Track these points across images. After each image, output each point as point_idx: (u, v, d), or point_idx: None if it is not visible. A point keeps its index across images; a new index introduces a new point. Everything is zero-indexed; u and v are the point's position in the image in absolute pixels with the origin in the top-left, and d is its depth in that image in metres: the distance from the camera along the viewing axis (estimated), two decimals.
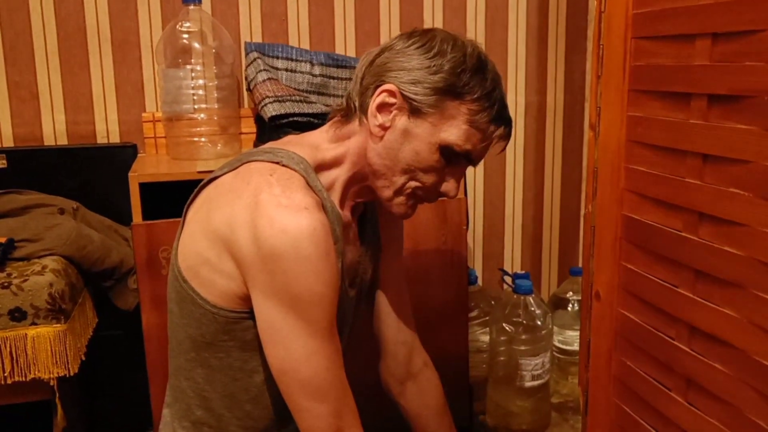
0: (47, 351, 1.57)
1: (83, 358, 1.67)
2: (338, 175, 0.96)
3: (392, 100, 0.91)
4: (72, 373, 1.62)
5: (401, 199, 0.97)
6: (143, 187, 1.49)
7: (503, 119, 0.94)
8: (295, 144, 0.96)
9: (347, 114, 0.97)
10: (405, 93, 0.90)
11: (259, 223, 0.82)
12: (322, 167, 0.95)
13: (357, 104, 0.94)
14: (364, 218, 1.08)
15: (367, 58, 0.95)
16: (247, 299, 0.88)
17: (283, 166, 0.90)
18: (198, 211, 0.94)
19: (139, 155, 1.74)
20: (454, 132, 0.91)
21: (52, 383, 1.62)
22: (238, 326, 0.91)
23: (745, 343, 0.83)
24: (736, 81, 0.85)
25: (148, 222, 1.47)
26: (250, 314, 0.89)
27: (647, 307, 0.99)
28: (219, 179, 0.94)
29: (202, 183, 0.97)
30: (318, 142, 0.97)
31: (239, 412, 0.98)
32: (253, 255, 0.83)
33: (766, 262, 0.81)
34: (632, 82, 1.02)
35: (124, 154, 1.74)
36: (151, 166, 1.61)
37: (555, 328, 2.00)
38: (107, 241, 1.67)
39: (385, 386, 1.23)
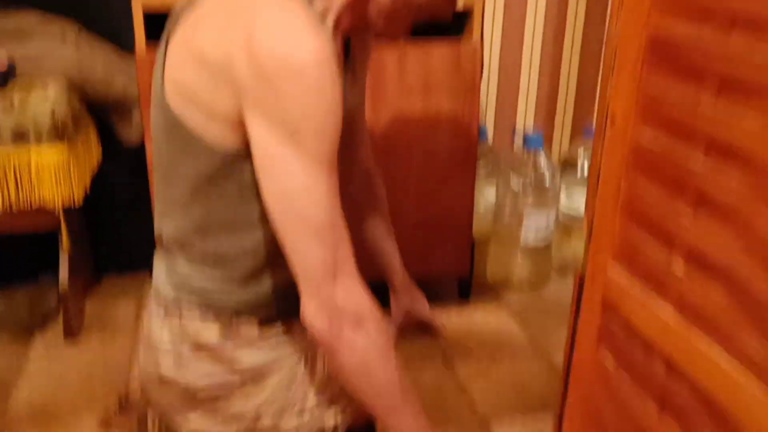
0: (51, 176, 1.56)
1: (88, 192, 1.67)
2: (333, 1, 0.87)
3: None
4: (77, 203, 1.62)
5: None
6: (148, 18, 1.46)
7: None
8: None
9: None
10: None
11: (257, 45, 0.73)
12: None
13: None
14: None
15: None
16: (243, 136, 0.78)
17: None
18: (185, 34, 0.81)
19: None
20: None
21: (57, 212, 1.62)
22: (235, 168, 0.82)
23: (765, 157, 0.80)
24: None
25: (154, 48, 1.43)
26: (247, 152, 0.79)
27: (664, 128, 0.95)
28: None
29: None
30: None
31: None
32: (251, 78, 0.74)
33: None
34: None
35: None
36: None
37: (563, 187, 1.99)
38: (110, 66, 1.63)
39: None
